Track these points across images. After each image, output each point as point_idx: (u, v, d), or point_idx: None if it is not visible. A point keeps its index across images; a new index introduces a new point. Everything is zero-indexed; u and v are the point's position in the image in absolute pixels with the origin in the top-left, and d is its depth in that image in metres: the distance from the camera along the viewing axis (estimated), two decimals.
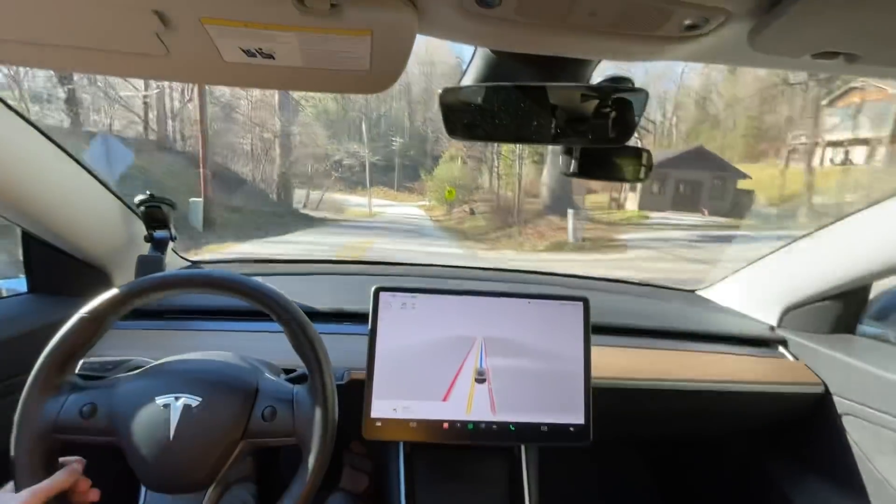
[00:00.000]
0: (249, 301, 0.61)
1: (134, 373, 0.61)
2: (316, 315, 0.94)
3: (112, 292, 0.58)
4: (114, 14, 0.36)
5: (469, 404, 0.78)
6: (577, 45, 0.43)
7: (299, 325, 0.61)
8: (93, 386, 0.58)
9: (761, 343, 1.10)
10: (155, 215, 0.99)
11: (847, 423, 0.94)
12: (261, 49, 0.40)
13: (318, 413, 0.59)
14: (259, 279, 0.62)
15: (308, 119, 22.24)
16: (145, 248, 1.00)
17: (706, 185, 17.17)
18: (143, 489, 0.70)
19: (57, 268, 0.90)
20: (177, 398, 0.56)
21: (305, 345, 0.60)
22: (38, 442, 0.54)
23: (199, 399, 0.57)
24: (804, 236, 1.03)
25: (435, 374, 0.78)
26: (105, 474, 0.64)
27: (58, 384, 0.56)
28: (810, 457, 1.04)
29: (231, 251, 8.37)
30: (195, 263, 1.21)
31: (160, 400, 0.56)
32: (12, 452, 0.53)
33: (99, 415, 0.56)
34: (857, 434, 0.93)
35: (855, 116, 14.33)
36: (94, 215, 0.89)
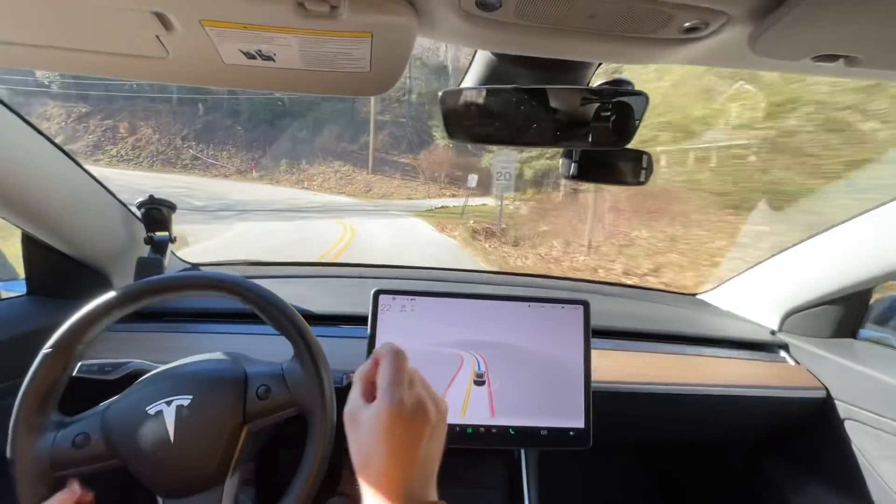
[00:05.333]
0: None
1: (117, 397, 0.59)
2: (314, 318, 0.94)
3: (77, 315, 0.55)
4: (114, 16, 0.36)
5: (468, 407, 0.77)
6: (577, 47, 0.43)
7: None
8: (78, 419, 0.56)
9: (762, 347, 1.10)
10: (155, 217, 0.98)
11: (848, 427, 0.94)
12: (261, 51, 0.40)
13: (311, 377, 0.58)
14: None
15: None
16: (145, 250, 1.00)
17: None
18: (160, 500, 0.69)
19: (57, 270, 0.90)
20: (168, 402, 0.55)
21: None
22: (39, 483, 0.52)
23: (191, 397, 0.56)
24: (805, 240, 1.03)
25: (434, 377, 0.77)
26: (118, 498, 0.62)
27: (42, 423, 0.54)
28: (811, 461, 1.03)
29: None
30: (195, 266, 1.21)
31: (151, 409, 0.55)
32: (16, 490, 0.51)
33: (93, 441, 0.54)
34: (859, 438, 0.92)
35: None
36: (94, 217, 0.89)
